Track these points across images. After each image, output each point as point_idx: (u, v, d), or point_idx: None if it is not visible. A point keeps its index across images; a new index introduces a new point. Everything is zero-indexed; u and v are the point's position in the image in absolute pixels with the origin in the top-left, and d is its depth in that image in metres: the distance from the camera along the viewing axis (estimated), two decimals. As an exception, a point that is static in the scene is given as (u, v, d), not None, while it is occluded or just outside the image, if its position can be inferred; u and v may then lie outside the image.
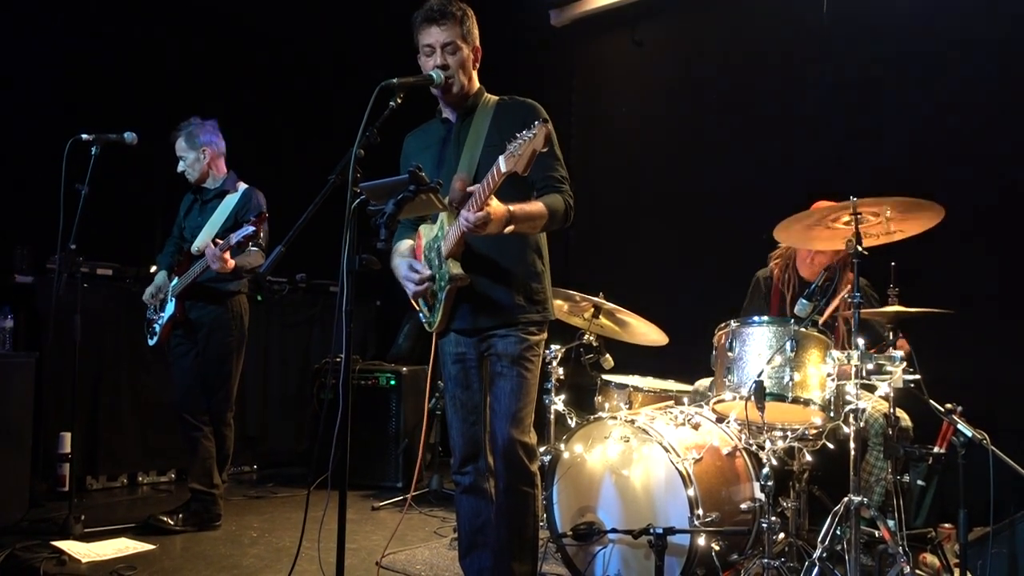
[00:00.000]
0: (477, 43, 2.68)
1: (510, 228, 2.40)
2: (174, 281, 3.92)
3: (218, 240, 3.69)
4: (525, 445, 2.59)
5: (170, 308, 3.92)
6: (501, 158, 2.25)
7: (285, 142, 5.86)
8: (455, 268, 2.55)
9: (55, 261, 3.77)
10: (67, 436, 4.41)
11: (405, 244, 2.78)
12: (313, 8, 5.97)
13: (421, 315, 2.76)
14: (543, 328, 2.70)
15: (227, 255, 3.66)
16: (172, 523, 3.81)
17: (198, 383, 3.93)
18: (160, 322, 3.96)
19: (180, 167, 4.03)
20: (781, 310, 3.67)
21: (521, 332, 2.61)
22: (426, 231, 2.72)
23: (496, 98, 2.73)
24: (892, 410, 2.89)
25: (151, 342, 4.03)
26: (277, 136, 5.82)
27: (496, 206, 2.34)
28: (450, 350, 2.74)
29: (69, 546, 3.46)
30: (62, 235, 3.65)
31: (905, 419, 3.26)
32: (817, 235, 3.06)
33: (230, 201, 3.96)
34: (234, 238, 3.64)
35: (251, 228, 3.61)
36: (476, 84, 2.73)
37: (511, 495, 2.60)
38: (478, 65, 2.72)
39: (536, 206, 2.50)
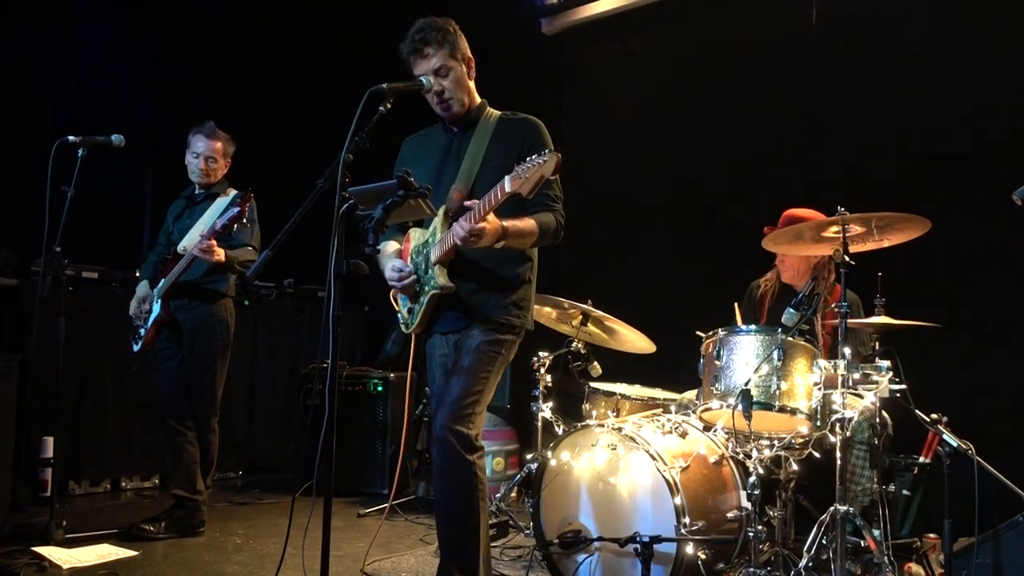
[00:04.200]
0: (468, 53, 2.70)
1: (501, 243, 2.44)
2: (159, 284, 3.89)
3: (204, 231, 3.67)
4: (459, 434, 2.55)
5: (156, 309, 3.89)
6: (507, 178, 2.27)
7: (274, 146, 5.84)
8: (442, 278, 2.57)
9: (40, 263, 3.74)
10: (50, 440, 4.37)
11: (391, 246, 2.80)
12: (306, 11, 5.96)
13: (399, 316, 2.77)
14: (517, 332, 2.71)
15: (213, 242, 3.64)
16: (154, 531, 3.77)
17: (183, 388, 3.90)
18: (146, 327, 3.93)
19: (197, 164, 3.93)
20: (768, 319, 3.69)
21: (490, 327, 2.63)
22: (416, 235, 2.72)
23: (499, 113, 2.75)
24: (878, 420, 2.90)
25: (136, 348, 3.99)
26: (266, 140, 5.80)
27: (492, 221, 2.37)
28: (436, 353, 2.76)
29: (50, 552, 3.42)
30: (47, 237, 3.61)
31: (887, 421, 3.27)
32: (805, 245, 3.09)
33: (220, 203, 3.94)
34: (219, 223, 3.62)
35: (235, 209, 3.60)
36: (477, 98, 2.75)
37: (441, 477, 2.59)
38: (474, 75, 2.73)
39: (528, 223, 2.53)
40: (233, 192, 4.01)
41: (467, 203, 2.41)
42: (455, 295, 2.61)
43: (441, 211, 2.63)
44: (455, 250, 2.55)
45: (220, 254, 3.69)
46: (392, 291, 2.79)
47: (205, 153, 3.94)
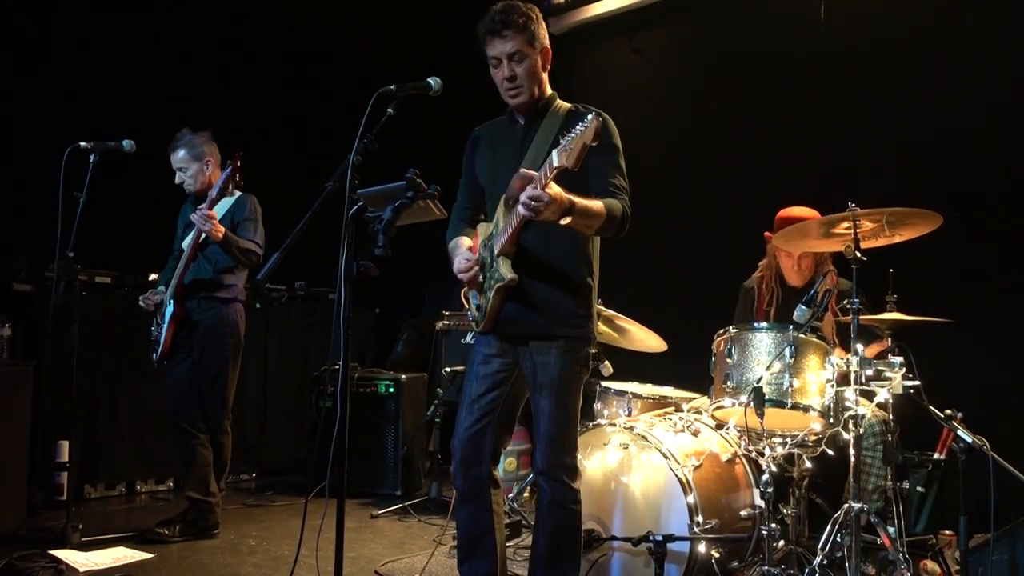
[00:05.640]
0: (546, 43, 2.63)
1: (567, 220, 2.34)
2: (171, 285, 3.92)
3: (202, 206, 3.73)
4: (565, 466, 2.57)
5: (170, 310, 3.90)
6: (554, 152, 2.20)
7: (283, 149, 5.86)
8: (506, 270, 2.50)
9: (53, 269, 3.76)
10: (65, 444, 4.39)
11: (464, 242, 2.76)
12: (313, 12, 5.98)
13: (469, 314, 2.72)
14: (587, 344, 2.63)
15: (213, 213, 3.70)
16: (169, 534, 3.79)
17: (194, 391, 3.92)
18: (163, 329, 3.93)
19: (179, 178, 4.02)
20: (765, 319, 3.66)
21: (563, 351, 2.56)
22: (483, 229, 2.70)
23: (568, 106, 2.69)
24: (891, 416, 2.89)
25: (155, 356, 3.98)
26: (275, 143, 5.82)
27: (557, 191, 2.28)
28: (483, 350, 2.69)
29: (66, 555, 3.45)
30: (60, 243, 3.64)
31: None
32: (816, 241, 3.08)
33: (225, 203, 3.96)
34: (214, 191, 3.70)
35: (229, 170, 3.66)
36: (548, 90, 2.69)
37: (553, 509, 2.59)
38: (548, 67, 2.67)
39: (596, 204, 2.44)
40: (238, 193, 4.03)
41: (522, 171, 2.32)
42: (518, 291, 2.54)
43: (502, 202, 2.57)
44: (517, 239, 2.50)
45: (220, 228, 3.73)
46: (463, 290, 2.74)
47: (176, 166, 4.01)
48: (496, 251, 2.54)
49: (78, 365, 3.78)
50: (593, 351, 2.68)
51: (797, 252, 3.58)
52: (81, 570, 3.33)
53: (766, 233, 3.65)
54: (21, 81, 4.85)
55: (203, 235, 3.79)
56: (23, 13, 4.89)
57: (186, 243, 3.89)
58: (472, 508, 2.69)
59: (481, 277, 2.62)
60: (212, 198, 3.70)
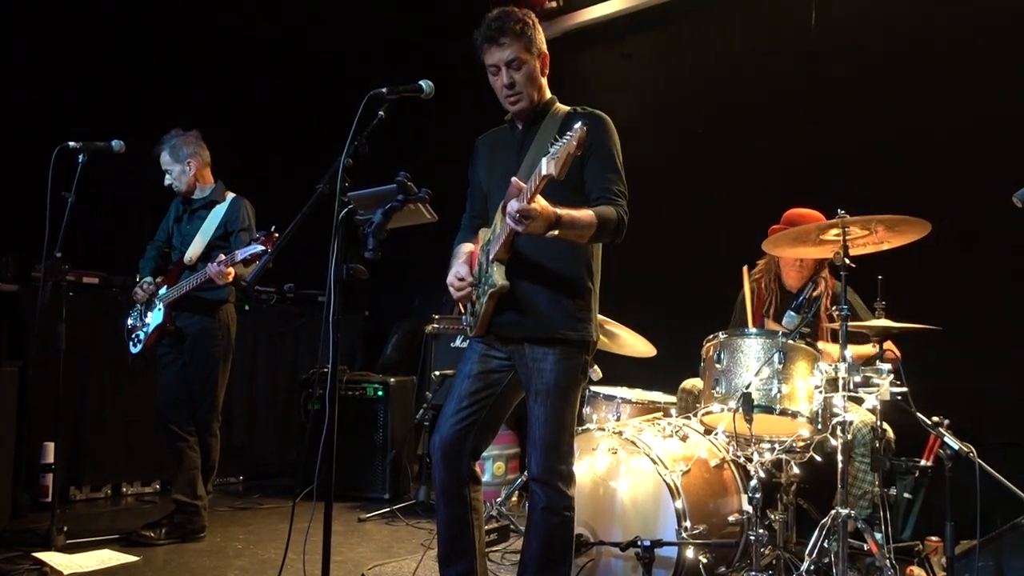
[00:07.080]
0: (543, 49, 2.62)
1: (554, 232, 2.31)
2: (163, 290, 3.90)
3: (223, 256, 3.68)
4: (560, 473, 2.54)
5: (158, 317, 3.89)
6: (543, 160, 2.17)
7: (273, 150, 5.85)
8: (499, 276, 2.49)
9: (40, 269, 3.74)
10: (50, 446, 4.37)
11: (463, 248, 2.74)
12: (304, 14, 5.97)
13: (464, 318, 2.71)
14: (583, 349, 2.58)
15: (231, 270, 3.68)
16: (155, 536, 3.77)
17: (184, 393, 3.91)
18: (146, 330, 3.93)
19: (167, 180, 4.02)
20: (762, 322, 3.67)
21: (559, 355, 2.52)
22: (483, 234, 2.69)
23: (567, 109, 2.67)
24: (879, 423, 2.90)
25: (134, 350, 3.99)
26: (265, 144, 5.81)
27: (543, 205, 2.25)
28: (479, 349, 2.67)
29: (51, 558, 3.42)
30: (48, 243, 3.62)
31: (888, 432, 3.27)
32: (805, 247, 3.09)
33: (219, 211, 3.96)
34: (240, 255, 3.63)
35: (260, 247, 3.60)
36: (547, 94, 2.67)
37: (547, 515, 2.55)
38: (547, 71, 2.65)
39: (585, 214, 2.41)
40: (231, 196, 4.02)
41: (513, 180, 2.28)
42: (512, 295, 2.51)
43: (500, 207, 2.54)
44: (511, 244, 2.48)
45: (231, 276, 3.73)
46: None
47: (162, 168, 4.01)
48: (491, 256, 2.53)
49: (65, 366, 3.76)
50: (590, 357, 2.67)
51: (787, 255, 3.58)
52: (65, 573, 3.31)
53: (771, 228, 3.64)
54: (10, 80, 4.82)
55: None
56: (11, 12, 4.87)
57: (189, 257, 3.87)
58: (452, 505, 2.65)
59: (475, 284, 2.61)
60: (235, 260, 3.64)
